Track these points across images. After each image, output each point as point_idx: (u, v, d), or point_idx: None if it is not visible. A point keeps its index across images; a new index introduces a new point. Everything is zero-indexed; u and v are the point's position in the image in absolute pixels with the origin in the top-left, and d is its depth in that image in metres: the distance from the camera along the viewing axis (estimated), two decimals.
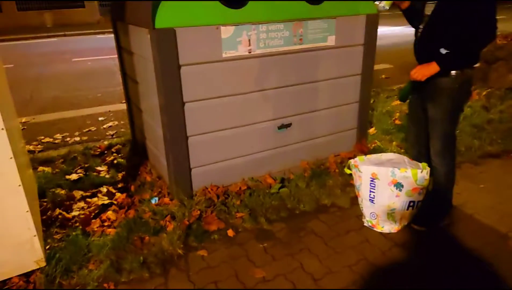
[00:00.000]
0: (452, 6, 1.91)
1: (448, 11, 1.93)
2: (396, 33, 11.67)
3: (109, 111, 4.97)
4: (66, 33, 13.85)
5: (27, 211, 1.69)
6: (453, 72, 2.00)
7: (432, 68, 1.98)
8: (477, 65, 2.05)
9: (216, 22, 2.19)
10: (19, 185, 1.65)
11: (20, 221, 1.71)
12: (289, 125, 2.66)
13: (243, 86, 2.40)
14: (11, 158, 1.62)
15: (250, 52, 2.33)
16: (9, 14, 15.66)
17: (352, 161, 2.27)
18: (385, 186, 2.11)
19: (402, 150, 3.08)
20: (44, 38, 13.18)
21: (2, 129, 1.57)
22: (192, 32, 2.13)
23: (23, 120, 4.57)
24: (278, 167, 2.73)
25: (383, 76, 6.34)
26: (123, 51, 3.09)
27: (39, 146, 3.80)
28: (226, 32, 2.23)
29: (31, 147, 3.71)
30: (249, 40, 2.30)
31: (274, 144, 2.67)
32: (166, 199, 2.42)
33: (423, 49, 2.10)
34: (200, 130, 2.36)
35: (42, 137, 4.02)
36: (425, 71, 2.01)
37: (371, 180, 2.14)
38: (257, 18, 2.29)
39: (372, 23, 2.71)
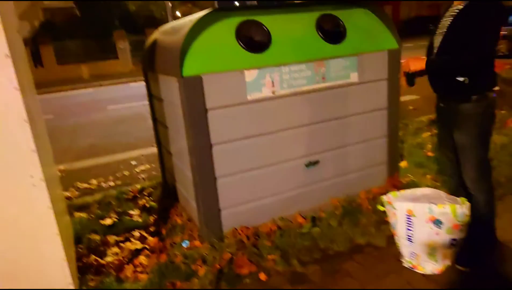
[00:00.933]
0: (458, 37, 1.96)
1: (455, 41, 1.99)
2: None
3: (141, 155, 5.15)
4: (101, 83, 14.80)
5: (63, 259, 1.74)
6: (474, 97, 1.98)
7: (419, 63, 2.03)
8: (496, 88, 2.02)
9: (240, 67, 2.28)
10: (57, 234, 1.70)
11: (56, 269, 1.75)
12: (316, 162, 2.64)
13: (269, 126, 2.44)
14: (49, 207, 1.69)
15: (274, 93, 2.39)
16: (50, 68, 16.98)
17: (385, 197, 2.20)
18: (423, 223, 2.00)
19: (438, 184, 2.95)
20: (82, 89, 14.12)
21: (41, 180, 1.65)
22: (218, 78, 2.22)
23: (62, 167, 4.80)
24: (308, 206, 2.68)
25: (410, 107, 6.25)
26: (153, 98, 3.25)
27: (76, 192, 3.96)
28: (250, 75, 2.31)
29: (68, 193, 3.86)
30: (273, 82, 2.37)
31: (302, 182, 2.64)
32: (197, 242, 2.41)
33: (435, 77, 2.13)
34: (228, 171, 2.38)
35: (79, 183, 4.19)
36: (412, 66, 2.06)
37: (407, 217, 2.05)
38: (279, 61, 2.37)
39: (395, 57, 2.72)
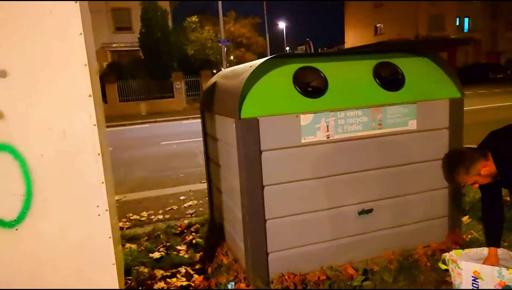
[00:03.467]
0: None
1: None
2: (481, 109, 11.02)
3: (190, 190, 5.28)
4: (157, 119, 15.74)
5: None
6: None
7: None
8: None
9: (296, 111, 2.32)
10: (113, 264, 1.76)
11: None
12: (370, 210, 2.53)
13: (322, 170, 2.41)
14: (109, 237, 1.77)
15: (328, 138, 2.38)
16: (112, 104, 18.44)
17: (447, 255, 2.03)
18: (491, 288, 1.81)
19: (506, 244, 2.68)
20: (139, 124, 15.10)
21: (106, 210, 1.75)
22: (273, 121, 2.27)
23: (116, 198, 5.05)
24: (360, 256, 2.54)
25: None
26: (208, 137, 3.38)
27: (127, 223, 4.11)
28: (305, 119, 2.33)
29: (120, 224, 4.02)
30: (327, 126, 2.37)
31: (355, 231, 2.53)
32: (242, 285, 2.36)
33: None
34: (279, 213, 2.36)
35: (131, 215, 4.36)
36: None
37: (473, 279, 1.87)
38: (335, 106, 2.38)
39: (457, 106, 2.62)
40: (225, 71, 3.20)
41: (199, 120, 3.53)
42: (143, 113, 18.90)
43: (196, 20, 25.43)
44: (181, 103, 19.84)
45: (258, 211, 2.30)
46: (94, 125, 1.69)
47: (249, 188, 2.27)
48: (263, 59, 2.35)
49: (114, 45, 23.71)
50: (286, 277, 2.36)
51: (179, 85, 19.74)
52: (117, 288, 1.78)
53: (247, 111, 2.22)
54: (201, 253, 2.98)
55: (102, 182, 1.72)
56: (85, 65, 1.64)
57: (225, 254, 2.88)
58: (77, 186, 1.68)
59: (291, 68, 2.39)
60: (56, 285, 1.74)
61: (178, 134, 11.21)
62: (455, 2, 32.38)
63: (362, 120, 2.43)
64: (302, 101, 2.34)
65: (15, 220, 1.63)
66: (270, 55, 2.47)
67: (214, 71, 22.71)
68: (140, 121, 15.68)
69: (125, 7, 23.78)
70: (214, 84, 3.06)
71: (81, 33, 1.62)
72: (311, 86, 2.39)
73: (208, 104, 3.13)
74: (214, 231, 3.33)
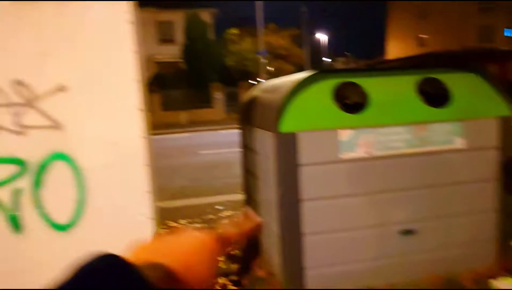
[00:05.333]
0: None
1: None
2: None
3: (227, 200, 5.36)
4: (196, 129, 16.18)
5: None
6: None
7: None
8: None
9: (335, 126, 2.31)
10: None
11: None
12: (412, 231, 2.44)
13: (362, 187, 2.37)
14: None
15: (368, 154, 2.34)
16: (155, 113, 19.21)
17: (495, 283, 1.91)
18: None
19: None
20: (179, 133, 15.59)
21: (150, 218, 1.83)
22: (312, 135, 2.28)
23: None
24: (400, 279, 2.44)
25: None
26: (246, 149, 3.43)
27: (165, 230, 4.24)
28: (345, 135, 2.32)
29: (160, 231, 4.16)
30: (368, 143, 2.33)
31: (395, 252, 2.45)
32: None
33: None
34: (316, 229, 2.34)
35: (169, 222, 4.49)
36: None
37: None
38: (376, 122, 2.34)
39: (507, 125, 2.48)
40: (264, 84, 3.25)
41: (237, 131, 3.60)
42: (183, 122, 19.50)
43: (236, 32, 26.05)
44: (220, 113, 20.27)
45: (295, 226, 2.30)
46: (143, 137, 1.79)
47: (286, 202, 2.28)
48: (303, 74, 2.37)
49: (158, 56, 24.82)
50: None
51: (218, 96, 20.21)
52: None
53: (286, 126, 2.25)
54: (238, 265, 3.01)
55: (148, 192, 1.81)
56: (137, 80, 1.75)
57: (261, 267, 2.89)
58: (125, 194, 1.78)
59: (331, 83, 2.39)
60: None
61: (216, 144, 11.44)
62: (507, 11, 30.67)
63: (404, 137, 2.37)
64: (342, 116, 2.32)
65: (68, 224, 1.75)
66: (309, 67, 2.49)
67: (252, 82, 23.05)
68: (180, 130, 16.18)
69: (169, 20, 24.86)
70: (254, 97, 3.12)
71: (134, 51, 1.73)
72: (352, 102, 2.37)
73: (247, 117, 3.20)
74: (250, 243, 3.35)
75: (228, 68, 23.38)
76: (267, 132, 2.50)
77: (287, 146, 2.24)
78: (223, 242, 0.48)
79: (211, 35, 22.73)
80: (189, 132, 15.96)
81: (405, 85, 2.49)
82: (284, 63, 25.66)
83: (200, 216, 4.70)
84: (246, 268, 2.93)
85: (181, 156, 9.65)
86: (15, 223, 1.69)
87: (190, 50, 20.30)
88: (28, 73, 1.63)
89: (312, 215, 2.32)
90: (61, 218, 1.75)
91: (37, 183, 1.69)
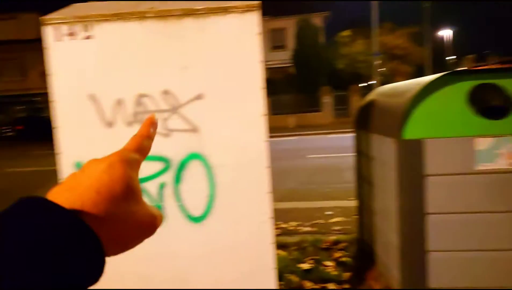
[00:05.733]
0: None
1: None
2: None
3: (336, 206, 5.26)
4: (304, 132, 16.30)
5: None
6: None
7: None
8: None
9: (470, 134, 2.06)
10: (273, 268, 1.92)
11: None
12: None
13: (502, 203, 2.06)
14: (271, 243, 1.94)
15: None
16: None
17: None
18: None
19: None
20: (287, 136, 15.93)
21: (270, 217, 1.93)
22: (442, 143, 2.08)
23: None
24: None
25: None
26: (361, 155, 3.32)
27: (277, 230, 4.39)
28: (482, 143, 2.05)
29: None
30: None
31: None
32: None
33: None
34: (443, 246, 2.12)
35: (280, 223, 4.63)
36: None
37: None
38: None
39: None
40: (384, 88, 3.10)
41: (346, 135, 3.51)
42: (291, 126, 19.88)
43: (348, 34, 25.38)
44: (328, 117, 20.01)
45: (418, 241, 2.12)
46: (265, 141, 1.90)
47: (409, 214, 2.13)
48: (433, 76, 2.19)
49: (270, 62, 25.88)
50: None
51: (327, 99, 19.99)
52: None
53: (410, 132, 2.10)
54: (350, 273, 2.93)
55: (269, 192, 1.91)
56: (262, 88, 1.87)
57: (376, 279, 2.76)
58: (249, 193, 1.92)
59: (465, 85, 2.14)
60: (226, 278, 2.01)
61: (324, 148, 11.34)
62: None
63: None
64: (479, 123, 2.06)
65: (200, 216, 1.97)
66: (430, 67, 2.27)
67: (363, 85, 22.08)
68: (288, 133, 16.53)
69: (282, 27, 25.67)
70: (372, 101, 3.00)
71: (261, 61, 1.85)
72: (491, 106, 2.08)
73: (363, 121, 3.09)
74: (364, 252, 3.22)
75: (338, 72, 22.93)
76: (387, 138, 2.38)
77: (412, 154, 2.09)
78: (128, 159, 0.40)
79: (321, 38, 22.65)
80: (296, 135, 16.18)
81: None
82: (400, 63, 23.91)
83: (310, 220, 4.72)
84: (359, 277, 2.83)
85: (290, 159, 9.84)
86: None
87: (300, 55, 20.60)
88: (173, 83, 1.90)
89: (439, 231, 2.11)
90: (195, 210, 1.97)
91: (177, 178, 1.95)
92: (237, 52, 1.88)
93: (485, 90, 2.12)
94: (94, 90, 1.93)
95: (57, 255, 0.28)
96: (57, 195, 0.34)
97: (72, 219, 0.31)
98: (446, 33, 29.37)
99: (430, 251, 2.12)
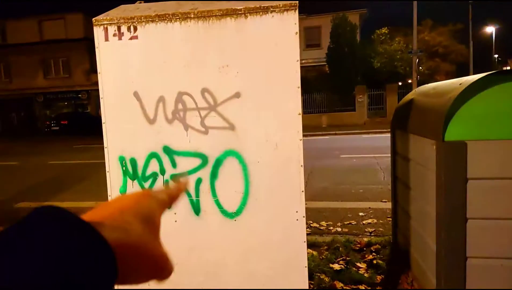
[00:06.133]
0: None
1: None
2: None
3: (369, 207, 5.16)
4: (337, 132, 16.05)
5: None
6: None
7: None
8: None
9: None
10: (305, 267, 1.93)
11: None
12: None
13: None
14: (304, 241, 1.95)
15: None
16: None
17: None
18: None
19: None
20: (319, 136, 15.76)
21: (303, 216, 1.94)
22: (486, 145, 1.99)
23: None
24: None
25: None
26: (397, 156, 3.24)
27: (308, 229, 4.37)
28: None
29: None
30: None
31: None
32: None
33: None
34: (484, 253, 2.04)
35: (311, 222, 4.61)
36: None
37: None
38: None
39: None
40: (424, 87, 3.00)
41: (380, 135, 3.45)
42: (324, 125, 19.62)
43: (386, 32, 24.63)
44: (362, 116, 19.56)
45: (458, 247, 2.05)
46: (300, 139, 1.91)
47: (449, 219, 2.06)
48: (478, 76, 2.10)
49: (303, 61, 25.64)
50: None
51: (362, 98, 19.53)
52: (307, 288, 1.94)
53: (453, 133, 2.03)
54: (382, 276, 2.88)
55: (302, 191, 1.92)
56: (298, 87, 1.88)
57: (410, 283, 2.69)
58: (282, 191, 1.94)
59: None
60: (257, 274, 2.05)
61: (357, 148, 11.11)
62: None
63: None
64: None
65: (235, 212, 2.01)
66: (474, 65, 2.17)
67: (400, 84, 21.35)
68: (320, 132, 16.34)
69: (317, 25, 25.36)
70: (411, 101, 2.91)
71: (297, 60, 1.87)
72: None
73: (401, 121, 3.01)
74: (397, 256, 3.15)
75: (374, 70, 22.34)
76: (426, 139, 2.31)
77: (453, 156, 2.02)
78: (159, 201, 0.42)
79: (358, 36, 22.15)
80: (329, 135, 15.95)
81: None
82: (441, 62, 22.89)
83: (341, 220, 4.66)
84: (392, 281, 2.77)
85: (322, 158, 9.73)
86: (196, 207, 2.05)
87: (335, 53, 20.25)
88: (212, 82, 1.95)
89: (480, 237, 2.03)
90: (230, 206, 2.02)
91: (214, 174, 2.00)
92: (274, 51, 1.90)
93: None
94: (138, 88, 2.02)
95: (66, 263, 0.27)
96: (85, 215, 0.34)
97: (85, 227, 0.30)
98: (490, 31, 27.77)
99: (469, 257, 2.05)
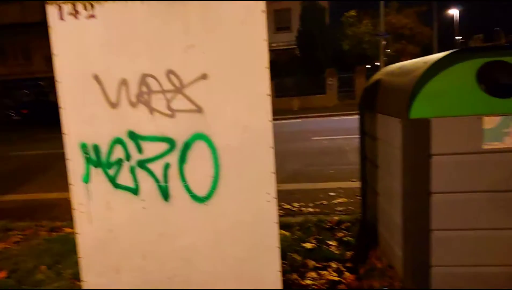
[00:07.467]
0: None
1: None
2: None
3: (340, 187, 5.28)
4: (308, 115, 16.23)
5: (279, 271, 1.96)
6: None
7: None
8: None
9: (478, 112, 2.03)
10: (277, 247, 1.95)
11: (270, 279, 1.99)
12: None
13: (506, 182, 2.05)
14: (275, 222, 1.96)
15: None
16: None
17: None
18: None
19: None
20: (291, 119, 15.88)
21: (274, 197, 1.94)
22: (448, 122, 2.06)
23: None
24: None
25: None
26: (365, 136, 3.30)
27: (280, 211, 4.43)
28: (490, 122, 2.02)
29: None
30: None
31: None
32: None
33: None
34: (447, 225, 2.13)
35: (284, 204, 4.67)
36: None
37: None
38: None
39: None
40: (390, 67, 3.05)
41: (350, 117, 3.50)
42: (295, 108, 19.76)
43: (354, 14, 24.86)
44: (333, 99, 19.85)
45: (422, 220, 2.13)
46: (269, 121, 1.89)
47: (413, 194, 2.13)
48: (441, 54, 2.14)
49: (273, 44, 25.50)
50: None
51: (332, 81, 19.78)
52: (279, 269, 1.96)
53: (417, 111, 2.08)
54: (352, 252, 2.97)
55: (273, 172, 1.91)
56: (266, 67, 1.85)
57: (378, 257, 2.79)
58: (253, 174, 1.93)
59: (475, 63, 2.09)
60: (230, 257, 2.04)
61: (328, 130, 11.30)
62: None
63: None
64: (487, 101, 2.03)
65: (205, 196, 1.99)
66: (437, 47, 2.23)
67: (369, 66, 21.77)
68: (292, 116, 16.46)
69: (287, 7, 25.16)
70: (378, 81, 2.96)
71: (265, 39, 1.83)
72: (501, 84, 2.05)
73: (369, 102, 3.06)
74: (366, 232, 3.25)
75: (343, 53, 22.62)
76: (393, 118, 2.36)
77: (418, 133, 2.08)
78: None
79: (327, 19, 22.23)
80: (301, 118, 16.11)
81: None
82: (407, 44, 23.49)
83: (313, 201, 4.75)
84: (362, 256, 2.86)
85: (294, 141, 9.84)
86: (165, 193, 2.00)
87: (305, 37, 20.29)
88: (177, 64, 1.88)
89: (443, 210, 2.12)
90: (200, 190, 1.99)
91: (182, 159, 1.96)
92: (241, 30, 1.85)
93: (494, 68, 2.08)
94: (98, 70, 1.92)
95: None
96: None
97: None
98: (454, 12, 28.66)
99: (433, 230, 2.13)
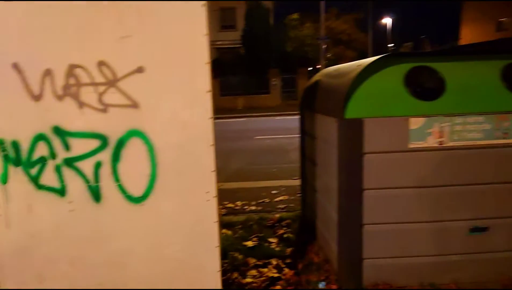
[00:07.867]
0: None
1: None
2: None
3: (281, 185, 5.39)
4: (252, 114, 16.37)
5: (218, 271, 1.93)
6: None
7: None
8: None
9: (405, 114, 2.19)
10: (216, 247, 1.92)
11: (210, 279, 1.95)
12: (484, 229, 2.26)
13: (431, 179, 2.23)
14: (215, 221, 1.92)
15: (441, 144, 2.19)
16: (214, 99, 19.74)
17: None
18: None
19: None
20: (235, 118, 15.89)
21: (214, 197, 1.90)
22: (379, 122, 2.18)
23: None
24: (467, 277, 2.29)
25: None
26: (306, 135, 3.40)
27: (223, 210, 4.39)
28: (415, 123, 2.19)
29: None
30: (441, 132, 2.18)
31: (463, 249, 2.29)
32: (334, 286, 2.34)
33: None
34: (378, 219, 2.27)
35: (226, 203, 4.64)
36: None
37: None
38: (452, 110, 2.18)
39: None
40: (328, 69, 3.17)
41: (293, 117, 3.58)
42: (239, 107, 19.82)
43: (296, 17, 25.59)
44: (276, 99, 20.25)
45: (355, 215, 2.24)
46: (209, 118, 1.85)
47: (347, 190, 2.23)
48: (373, 58, 2.27)
49: (218, 42, 25.30)
50: (381, 287, 2.26)
51: (275, 82, 20.17)
52: (218, 268, 1.93)
53: (352, 111, 2.18)
54: (292, 248, 3.03)
55: (212, 171, 1.87)
56: (207, 63, 1.81)
57: (316, 252, 2.88)
58: (192, 172, 1.87)
59: (403, 67, 2.25)
60: (168, 258, 1.97)
61: (271, 130, 11.50)
62: None
63: (484, 128, 2.18)
64: (413, 103, 2.19)
65: (141, 196, 1.89)
66: (372, 53, 2.37)
67: (310, 68, 22.59)
68: (237, 115, 16.48)
69: (232, 6, 25.12)
70: (317, 82, 3.06)
71: (205, 34, 1.78)
72: (425, 88, 2.23)
73: (308, 102, 3.15)
74: (306, 228, 3.35)
75: (286, 55, 23.17)
76: (330, 118, 2.45)
77: (352, 132, 2.18)
78: None
79: (271, 20, 22.60)
80: (245, 117, 16.19)
81: (487, 71, 2.27)
82: (345, 49, 24.76)
83: (255, 199, 4.79)
84: (301, 252, 2.94)
85: (238, 140, 9.85)
86: (96, 194, 1.86)
87: (250, 36, 20.43)
88: (110, 55, 1.76)
89: (374, 205, 2.25)
90: (135, 191, 1.88)
91: (115, 157, 1.83)
92: (180, 24, 1.78)
93: (420, 72, 2.25)
94: (18, 58, 1.73)
95: None
96: None
97: None
98: (388, 21, 30.85)
99: (364, 224, 2.25)
